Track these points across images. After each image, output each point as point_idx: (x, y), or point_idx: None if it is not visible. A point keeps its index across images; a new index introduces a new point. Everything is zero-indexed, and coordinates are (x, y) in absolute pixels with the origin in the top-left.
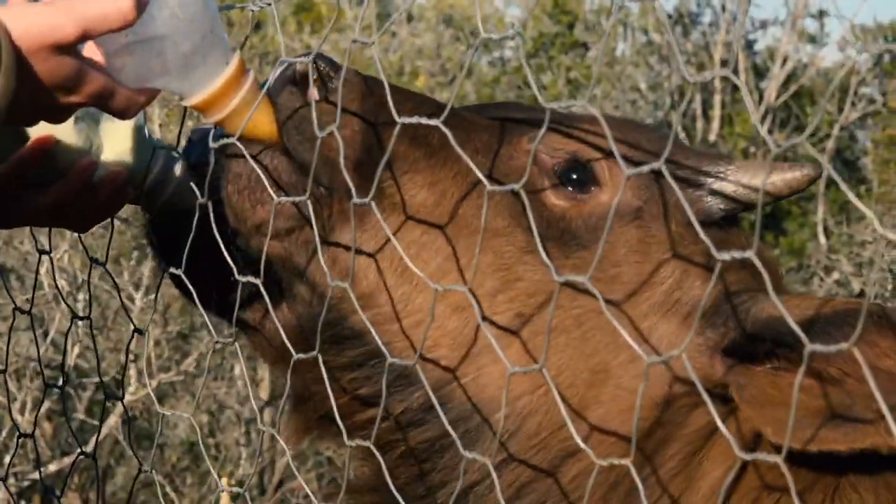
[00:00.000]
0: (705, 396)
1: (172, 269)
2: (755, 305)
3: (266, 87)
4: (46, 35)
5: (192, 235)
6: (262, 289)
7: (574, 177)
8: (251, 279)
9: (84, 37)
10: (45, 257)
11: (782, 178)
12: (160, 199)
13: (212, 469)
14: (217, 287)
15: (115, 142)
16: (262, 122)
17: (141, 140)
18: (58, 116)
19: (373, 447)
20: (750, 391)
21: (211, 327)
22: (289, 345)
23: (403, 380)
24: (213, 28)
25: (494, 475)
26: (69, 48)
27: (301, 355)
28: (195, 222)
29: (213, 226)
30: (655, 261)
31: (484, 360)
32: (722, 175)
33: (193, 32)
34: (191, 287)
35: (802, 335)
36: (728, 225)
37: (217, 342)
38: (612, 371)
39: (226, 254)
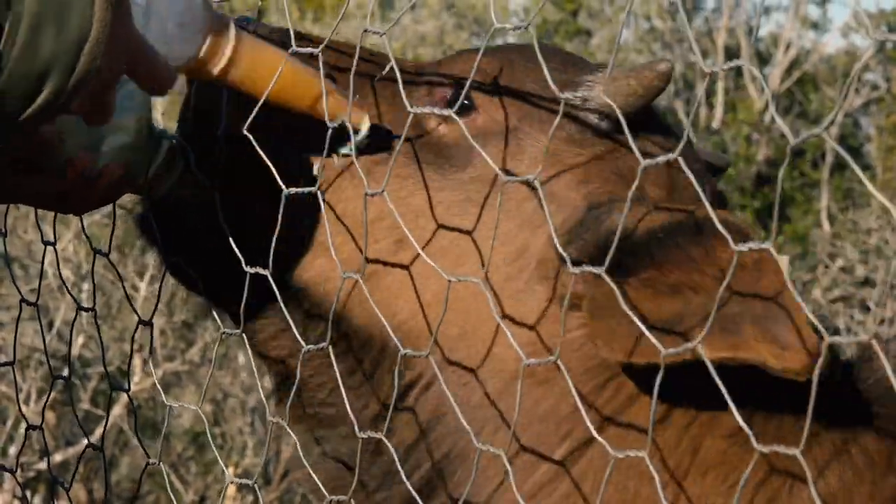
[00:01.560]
0: (559, 365)
1: (172, 258)
2: (609, 216)
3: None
4: None
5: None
6: (270, 280)
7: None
8: (259, 270)
9: None
10: (49, 248)
11: (644, 78)
12: (163, 188)
13: (219, 459)
14: (221, 277)
15: (119, 132)
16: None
17: (145, 130)
18: (109, 99)
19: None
20: (593, 303)
21: (217, 317)
22: (299, 337)
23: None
24: None
25: (438, 373)
26: None
27: (311, 346)
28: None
29: (220, 215)
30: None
31: (372, 281)
32: (591, 84)
33: None
34: (193, 273)
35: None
36: (619, 133)
37: (223, 332)
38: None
39: (233, 244)
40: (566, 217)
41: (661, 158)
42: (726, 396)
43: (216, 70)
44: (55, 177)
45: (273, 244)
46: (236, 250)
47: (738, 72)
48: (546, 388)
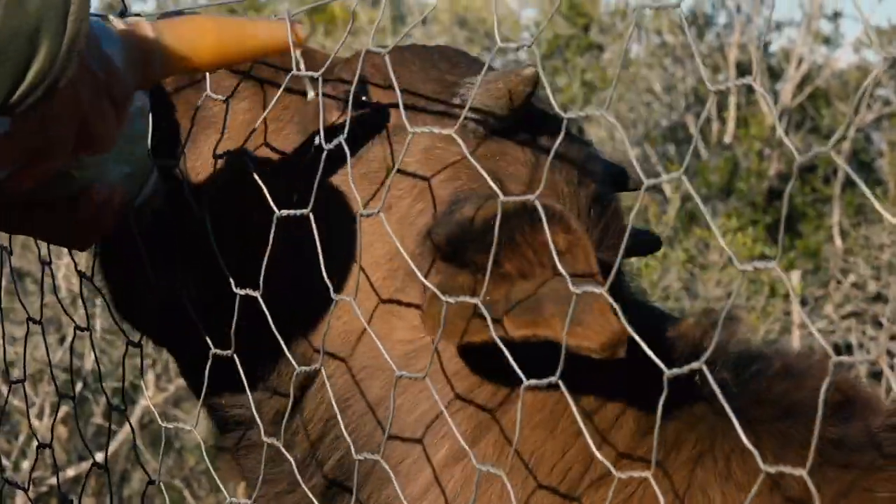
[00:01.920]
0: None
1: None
2: (461, 209)
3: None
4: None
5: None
6: (260, 301)
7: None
8: (249, 292)
9: None
10: (60, 263)
11: (510, 82)
12: (154, 208)
13: (219, 483)
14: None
15: (122, 162)
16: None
17: (146, 158)
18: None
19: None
20: (433, 295)
21: (209, 340)
22: (291, 359)
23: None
24: None
25: (325, 375)
26: None
27: (304, 367)
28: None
29: (213, 240)
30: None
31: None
32: (470, 86)
33: None
34: (186, 290)
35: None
36: (504, 136)
37: (214, 353)
38: (368, 288)
39: (222, 265)
40: (434, 213)
41: (667, 177)
42: (730, 414)
43: (149, 34)
44: (66, 210)
45: (263, 266)
46: (225, 270)
47: (751, 87)
48: (422, 388)
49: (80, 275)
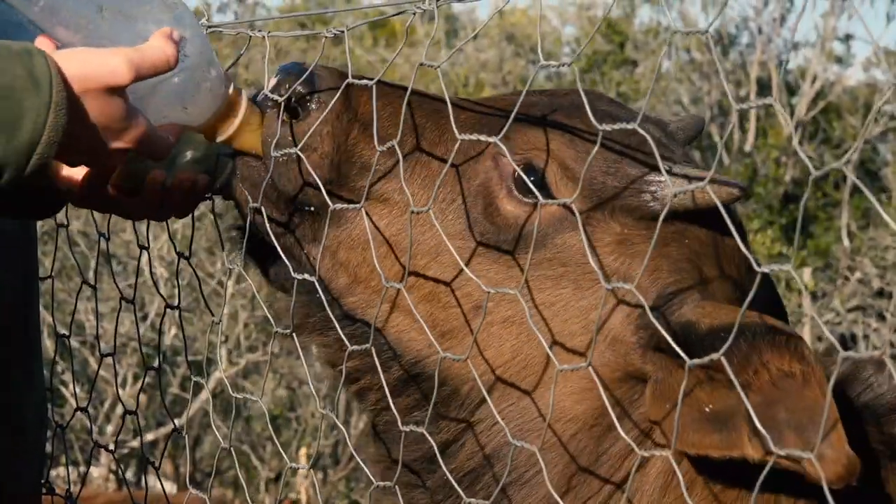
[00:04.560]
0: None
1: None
2: (680, 309)
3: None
4: (102, 76)
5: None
6: (317, 285)
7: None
8: (307, 277)
9: (135, 80)
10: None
11: (710, 193)
12: (234, 194)
13: (282, 452)
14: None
15: (191, 147)
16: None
17: (214, 145)
18: (104, 161)
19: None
20: (660, 386)
21: (272, 318)
22: (344, 337)
23: (387, 353)
24: (211, 59)
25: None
26: (121, 91)
27: (355, 346)
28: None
29: (267, 225)
30: (598, 261)
31: (452, 341)
32: (662, 180)
33: (200, 67)
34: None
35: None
36: (681, 219)
37: (276, 332)
38: (561, 357)
39: (281, 253)
40: (637, 302)
41: (696, 185)
42: None
43: (219, 139)
44: (142, 193)
45: (318, 256)
46: (284, 258)
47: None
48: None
49: (179, 255)
